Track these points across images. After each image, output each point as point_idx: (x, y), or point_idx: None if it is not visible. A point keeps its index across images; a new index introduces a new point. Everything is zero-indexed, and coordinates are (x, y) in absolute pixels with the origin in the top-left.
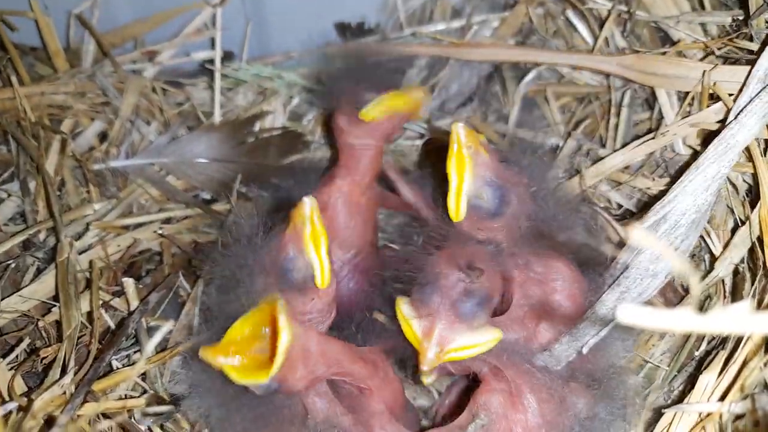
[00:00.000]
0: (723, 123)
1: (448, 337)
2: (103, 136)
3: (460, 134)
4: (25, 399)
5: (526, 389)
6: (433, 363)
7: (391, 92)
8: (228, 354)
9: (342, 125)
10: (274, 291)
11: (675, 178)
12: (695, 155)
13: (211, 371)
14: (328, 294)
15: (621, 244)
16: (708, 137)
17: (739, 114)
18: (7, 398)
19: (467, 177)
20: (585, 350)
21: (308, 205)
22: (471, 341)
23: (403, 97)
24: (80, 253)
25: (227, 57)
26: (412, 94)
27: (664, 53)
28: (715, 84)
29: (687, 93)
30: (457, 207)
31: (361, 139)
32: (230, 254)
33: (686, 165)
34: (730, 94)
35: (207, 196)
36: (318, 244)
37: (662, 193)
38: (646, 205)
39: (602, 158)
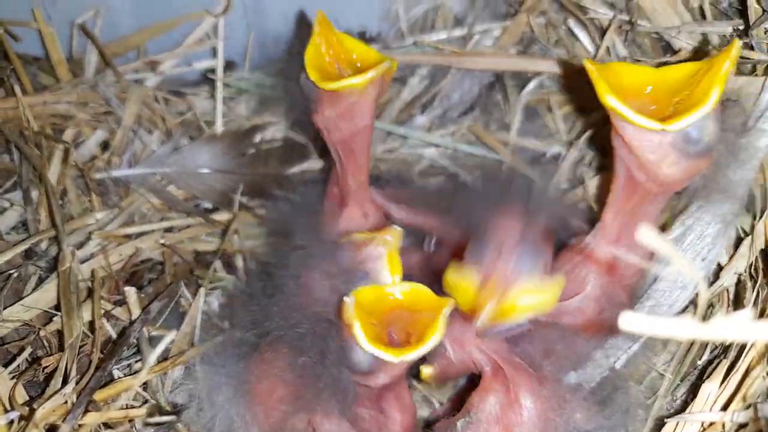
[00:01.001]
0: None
1: (510, 281)
2: (105, 146)
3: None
4: (27, 408)
5: (524, 392)
6: (492, 315)
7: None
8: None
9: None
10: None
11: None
12: None
13: (223, 373)
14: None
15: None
16: None
17: (759, 119)
18: (8, 408)
19: None
20: (618, 365)
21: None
22: (535, 285)
23: (311, 44)
24: (82, 262)
25: (229, 67)
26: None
27: (664, 62)
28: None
29: None
30: None
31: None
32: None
33: None
34: None
35: (208, 205)
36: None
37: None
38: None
39: (606, 168)
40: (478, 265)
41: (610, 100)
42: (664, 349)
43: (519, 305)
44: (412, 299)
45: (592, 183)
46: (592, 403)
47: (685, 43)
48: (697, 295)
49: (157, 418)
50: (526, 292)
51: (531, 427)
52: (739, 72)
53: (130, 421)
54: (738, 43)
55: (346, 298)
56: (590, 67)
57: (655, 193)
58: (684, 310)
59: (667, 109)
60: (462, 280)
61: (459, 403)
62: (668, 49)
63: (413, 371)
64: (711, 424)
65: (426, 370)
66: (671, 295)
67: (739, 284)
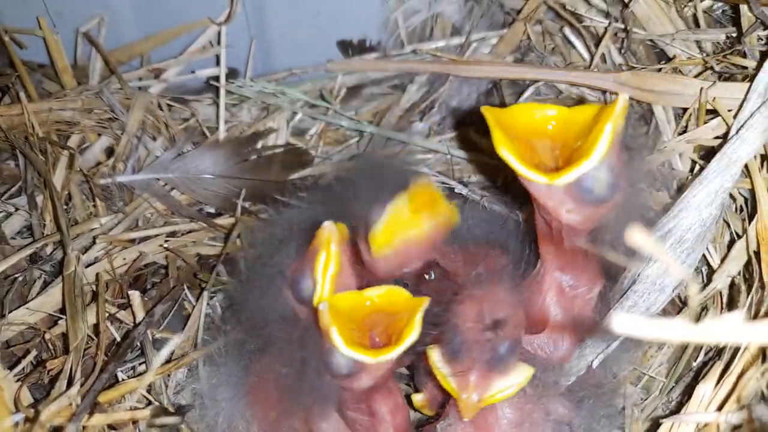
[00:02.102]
0: (723, 138)
1: (484, 387)
2: (109, 152)
3: None
4: (32, 410)
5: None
6: (473, 412)
7: (393, 209)
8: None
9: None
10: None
11: (674, 192)
12: (692, 170)
13: (227, 374)
14: None
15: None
16: (706, 153)
17: (740, 129)
18: (13, 410)
19: None
20: (595, 364)
21: (327, 230)
22: (506, 384)
23: (411, 218)
24: (87, 267)
25: (232, 74)
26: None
27: (659, 69)
28: (714, 99)
29: (684, 109)
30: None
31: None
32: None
33: (684, 179)
34: (729, 110)
35: (211, 210)
36: (326, 266)
37: (661, 207)
38: (642, 218)
39: None
40: (453, 361)
41: (503, 151)
42: (659, 351)
43: (498, 397)
44: (389, 301)
45: None
46: (570, 399)
47: (680, 50)
48: (675, 297)
49: (161, 420)
50: (500, 392)
51: (508, 424)
52: (732, 78)
53: (134, 422)
54: (624, 98)
55: (320, 306)
56: (488, 115)
57: (570, 230)
58: (662, 312)
59: (570, 152)
60: (441, 375)
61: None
62: (662, 56)
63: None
64: (705, 425)
65: (417, 398)
66: (650, 297)
67: (733, 287)
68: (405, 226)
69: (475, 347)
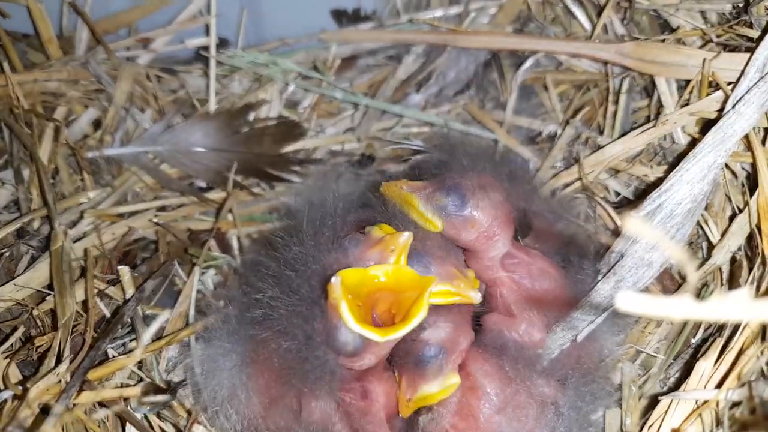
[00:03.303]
0: (722, 112)
1: (412, 389)
2: (97, 124)
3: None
4: (20, 388)
5: (482, 374)
6: (406, 412)
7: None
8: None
9: None
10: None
11: (673, 166)
12: (693, 144)
13: (228, 345)
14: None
15: (617, 233)
16: (707, 126)
17: (737, 103)
18: (1, 387)
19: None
20: (579, 338)
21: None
22: (430, 390)
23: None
24: (75, 242)
25: (222, 44)
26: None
27: (662, 41)
28: (713, 74)
29: (687, 81)
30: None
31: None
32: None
33: (685, 153)
34: (730, 83)
35: (202, 184)
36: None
37: (660, 181)
38: (644, 192)
39: (601, 147)
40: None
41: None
42: (657, 327)
43: (428, 399)
44: (396, 280)
45: (588, 161)
46: (555, 378)
47: (684, 20)
48: (676, 273)
49: (152, 397)
50: (424, 397)
51: (491, 408)
52: (737, 50)
53: (124, 399)
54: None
55: (333, 279)
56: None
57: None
58: (661, 288)
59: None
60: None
61: None
62: (666, 26)
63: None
64: (705, 402)
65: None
66: (637, 272)
67: (734, 263)
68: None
69: (403, 352)
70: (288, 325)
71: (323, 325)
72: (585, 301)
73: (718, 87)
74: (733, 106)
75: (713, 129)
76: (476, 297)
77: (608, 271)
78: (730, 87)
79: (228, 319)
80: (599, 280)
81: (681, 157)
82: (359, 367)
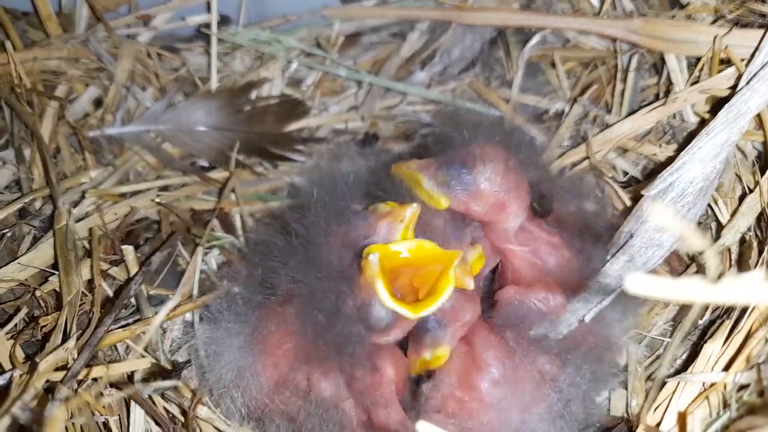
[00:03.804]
0: (734, 89)
1: (415, 355)
2: (98, 103)
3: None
4: (28, 364)
5: (486, 346)
6: (413, 371)
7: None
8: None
9: None
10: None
11: (683, 144)
12: (703, 122)
13: (236, 327)
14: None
15: (627, 212)
16: (718, 104)
17: (751, 80)
18: (8, 367)
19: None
20: (587, 318)
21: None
22: (425, 357)
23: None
24: (77, 221)
25: (224, 21)
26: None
27: (672, 17)
28: (727, 48)
29: (698, 58)
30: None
31: None
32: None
33: (695, 131)
34: (743, 59)
35: (204, 163)
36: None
37: (670, 160)
38: (652, 171)
39: (610, 125)
40: None
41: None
42: (664, 308)
43: (425, 362)
44: (419, 255)
45: (596, 140)
46: (558, 354)
47: None
48: (684, 255)
49: (158, 381)
50: (426, 356)
51: (492, 380)
52: (749, 26)
53: (131, 377)
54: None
55: (370, 256)
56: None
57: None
58: (669, 269)
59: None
60: None
61: None
62: (675, 3)
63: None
64: (712, 384)
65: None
66: (646, 252)
67: (744, 243)
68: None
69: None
70: (317, 299)
71: (354, 300)
72: (594, 282)
73: (729, 64)
74: (747, 83)
75: (726, 106)
76: (469, 284)
77: (617, 251)
78: (743, 63)
79: (234, 300)
80: (608, 260)
81: (692, 135)
82: (384, 342)
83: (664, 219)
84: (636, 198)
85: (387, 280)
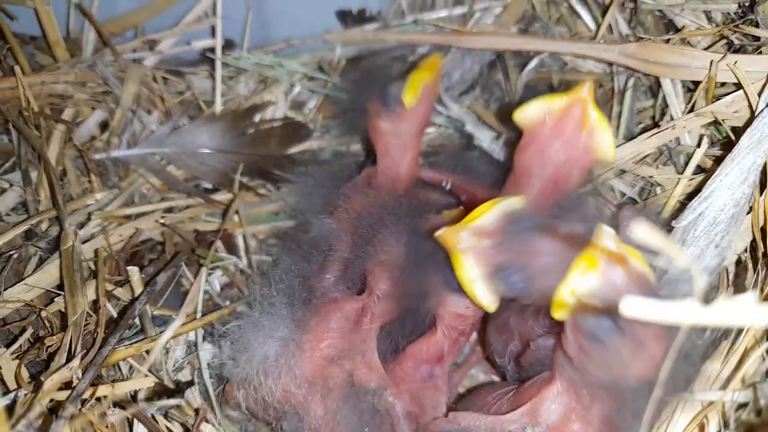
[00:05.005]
0: (752, 114)
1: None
2: (104, 126)
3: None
4: (33, 384)
5: (593, 407)
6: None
7: (411, 74)
8: None
9: (383, 125)
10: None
11: (680, 167)
12: (699, 144)
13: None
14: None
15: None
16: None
17: None
18: (12, 387)
19: None
20: None
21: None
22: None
23: (423, 69)
24: (83, 243)
25: (228, 45)
26: (427, 62)
27: (667, 41)
28: (736, 63)
29: (694, 82)
30: None
31: (405, 131)
32: None
33: (690, 154)
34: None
35: (208, 185)
36: None
37: (669, 182)
38: (649, 193)
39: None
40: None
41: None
42: None
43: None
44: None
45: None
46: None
47: (689, 20)
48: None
49: (161, 400)
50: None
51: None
52: (742, 51)
53: (134, 397)
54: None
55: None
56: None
57: None
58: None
59: None
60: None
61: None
62: (671, 26)
63: None
64: (710, 403)
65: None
66: (684, 286)
67: (740, 264)
68: (422, 78)
69: None
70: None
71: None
72: None
73: (728, 89)
74: (767, 105)
75: (749, 130)
76: None
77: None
78: (753, 87)
79: (272, 301)
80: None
81: (688, 157)
82: (463, 322)
83: (647, 237)
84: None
85: None
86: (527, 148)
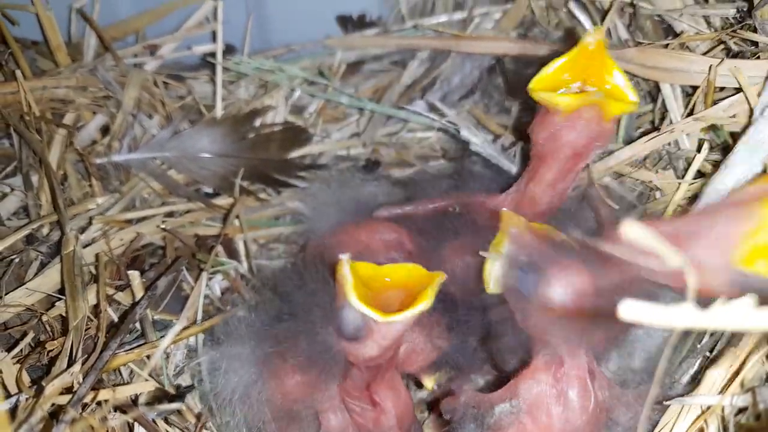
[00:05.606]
0: (733, 117)
1: None
2: (105, 130)
3: None
4: (34, 388)
5: (576, 388)
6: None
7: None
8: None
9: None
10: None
11: (680, 172)
12: (699, 149)
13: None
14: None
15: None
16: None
17: (765, 109)
18: (13, 391)
19: None
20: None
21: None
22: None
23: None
24: (84, 247)
25: (229, 50)
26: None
27: (666, 45)
28: (736, 67)
29: (693, 87)
30: None
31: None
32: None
33: (690, 159)
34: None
35: (209, 190)
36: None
37: (668, 186)
38: (648, 198)
39: (611, 152)
40: None
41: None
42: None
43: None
44: (406, 276)
45: (596, 167)
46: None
47: (687, 25)
48: None
49: (162, 404)
50: None
51: (574, 423)
52: (740, 56)
53: (135, 401)
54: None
55: (341, 256)
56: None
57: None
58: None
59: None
60: None
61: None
62: (670, 31)
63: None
64: (708, 407)
65: (428, 383)
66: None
67: None
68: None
69: None
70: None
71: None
72: None
73: (726, 93)
74: (762, 112)
75: (744, 136)
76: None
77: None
78: (753, 91)
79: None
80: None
81: (688, 161)
82: (363, 358)
83: (639, 238)
84: None
85: (366, 292)
86: (546, 122)
